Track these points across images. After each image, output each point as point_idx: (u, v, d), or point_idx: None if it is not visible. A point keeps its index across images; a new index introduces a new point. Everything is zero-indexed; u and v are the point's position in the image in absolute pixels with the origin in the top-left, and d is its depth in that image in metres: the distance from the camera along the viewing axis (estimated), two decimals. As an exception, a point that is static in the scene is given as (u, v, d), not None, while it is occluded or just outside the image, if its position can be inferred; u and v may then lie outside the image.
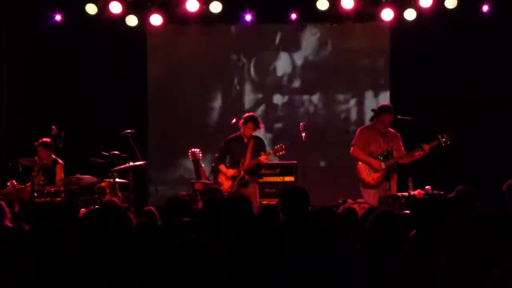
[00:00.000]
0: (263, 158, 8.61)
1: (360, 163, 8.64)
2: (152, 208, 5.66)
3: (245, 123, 8.80)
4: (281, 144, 8.73)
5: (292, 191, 4.77)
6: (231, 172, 8.75)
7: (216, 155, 9.00)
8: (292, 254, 3.71)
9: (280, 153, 8.68)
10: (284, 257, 3.73)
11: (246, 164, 8.72)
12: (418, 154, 8.43)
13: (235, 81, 11.27)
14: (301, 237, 3.77)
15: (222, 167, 8.85)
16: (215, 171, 8.93)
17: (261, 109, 11.09)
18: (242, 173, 8.71)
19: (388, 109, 8.66)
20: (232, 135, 8.95)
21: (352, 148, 8.75)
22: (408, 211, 7.65)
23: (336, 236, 3.79)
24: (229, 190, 8.59)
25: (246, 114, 8.94)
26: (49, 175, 8.96)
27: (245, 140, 8.85)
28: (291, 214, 4.59)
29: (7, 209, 5.49)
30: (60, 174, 9.09)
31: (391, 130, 8.76)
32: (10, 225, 5.37)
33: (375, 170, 8.52)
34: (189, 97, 11.29)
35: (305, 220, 4.43)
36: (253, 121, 8.79)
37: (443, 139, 8.35)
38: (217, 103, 11.22)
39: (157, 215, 5.43)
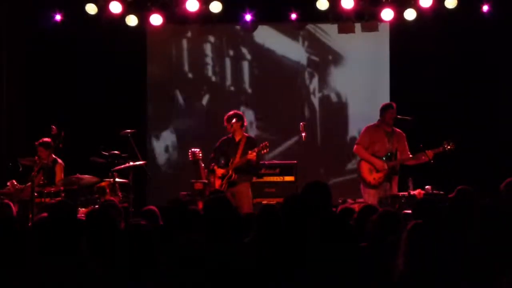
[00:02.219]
0: (250, 156, 8.61)
1: (362, 162, 8.65)
2: (153, 207, 5.64)
3: (228, 121, 8.83)
4: (265, 142, 8.73)
5: (315, 187, 4.63)
6: (220, 171, 8.80)
7: (211, 155, 9.05)
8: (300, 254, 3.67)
9: (264, 151, 8.68)
10: (289, 257, 3.71)
11: (235, 163, 8.75)
12: (423, 159, 8.43)
13: (236, 80, 11.26)
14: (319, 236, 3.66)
15: (214, 167, 8.90)
16: (210, 172, 8.97)
17: (261, 108, 11.09)
18: (230, 171, 8.75)
19: (390, 106, 8.70)
20: (225, 136, 8.99)
21: (355, 146, 8.77)
22: (408, 211, 7.70)
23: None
24: (219, 189, 8.61)
25: (229, 112, 8.95)
26: (49, 175, 8.97)
27: (237, 139, 8.89)
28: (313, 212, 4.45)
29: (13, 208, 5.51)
30: (60, 175, 9.09)
31: (397, 130, 8.76)
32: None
33: (377, 170, 8.52)
34: (188, 97, 11.30)
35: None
36: (237, 117, 8.82)
37: (448, 147, 8.33)
38: (217, 103, 11.21)
39: (158, 215, 5.42)
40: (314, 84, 11.16)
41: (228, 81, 11.28)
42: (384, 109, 8.69)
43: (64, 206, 4.31)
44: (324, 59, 11.14)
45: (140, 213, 5.88)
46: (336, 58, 11.12)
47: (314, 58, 11.16)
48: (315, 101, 11.06)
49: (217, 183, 8.79)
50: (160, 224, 5.28)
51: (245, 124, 8.96)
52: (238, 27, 10.95)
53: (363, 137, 8.75)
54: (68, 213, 4.15)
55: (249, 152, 8.64)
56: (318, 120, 10.87)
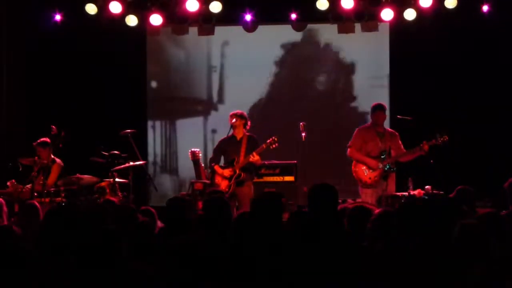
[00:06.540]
0: (252, 158, 8.61)
1: (356, 163, 8.67)
2: (149, 207, 5.64)
3: (233, 116, 8.86)
4: (273, 137, 8.74)
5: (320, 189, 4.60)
6: (227, 171, 8.78)
7: (211, 156, 9.05)
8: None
9: (274, 145, 8.69)
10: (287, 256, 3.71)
11: (241, 162, 8.75)
12: (418, 152, 8.44)
13: (235, 80, 11.27)
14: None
15: (217, 167, 8.88)
16: (212, 172, 8.96)
17: (261, 108, 11.09)
18: (237, 171, 8.75)
19: (380, 107, 8.72)
20: (225, 136, 8.99)
21: (348, 150, 8.79)
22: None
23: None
24: (227, 189, 8.60)
25: (232, 112, 8.98)
26: (49, 175, 8.97)
27: (238, 138, 8.90)
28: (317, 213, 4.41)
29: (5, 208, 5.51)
30: (54, 174, 9.07)
31: (389, 129, 8.80)
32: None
33: (372, 170, 8.54)
34: (189, 96, 11.31)
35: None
36: (241, 117, 8.83)
37: (440, 138, 8.35)
38: (217, 103, 11.22)
39: (155, 214, 5.42)
40: (313, 83, 11.15)
41: (228, 81, 11.27)
42: (373, 110, 8.75)
43: None
44: (324, 58, 11.13)
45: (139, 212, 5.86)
46: (336, 58, 11.12)
47: (313, 58, 11.14)
48: (315, 100, 11.06)
49: (224, 183, 8.75)
50: (156, 223, 5.29)
51: (248, 126, 8.97)
52: (238, 27, 10.94)
53: (354, 140, 8.78)
54: None
55: (253, 154, 8.63)
56: (318, 120, 10.86)
